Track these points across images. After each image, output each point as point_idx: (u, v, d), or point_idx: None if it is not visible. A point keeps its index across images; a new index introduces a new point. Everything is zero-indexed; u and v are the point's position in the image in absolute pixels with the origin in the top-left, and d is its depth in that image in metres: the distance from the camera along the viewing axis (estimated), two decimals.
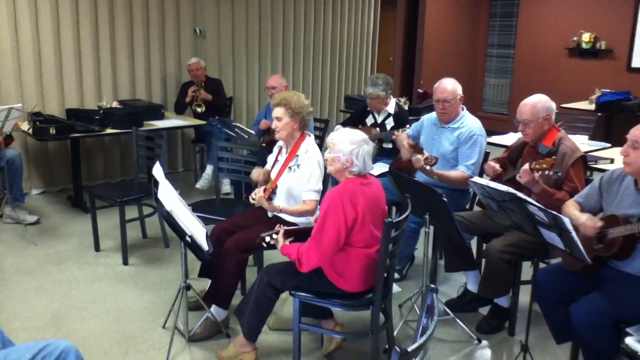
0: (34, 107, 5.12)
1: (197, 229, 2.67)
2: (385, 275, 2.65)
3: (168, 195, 2.84)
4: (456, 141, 3.68)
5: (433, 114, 3.88)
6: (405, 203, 2.80)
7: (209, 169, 5.67)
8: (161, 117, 5.47)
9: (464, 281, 3.64)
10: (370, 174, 2.75)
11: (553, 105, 3.18)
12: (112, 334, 3.20)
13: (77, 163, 5.19)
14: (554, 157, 2.97)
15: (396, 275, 3.83)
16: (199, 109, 5.80)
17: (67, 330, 3.22)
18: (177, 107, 6.05)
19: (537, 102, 3.15)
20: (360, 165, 2.63)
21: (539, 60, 8.62)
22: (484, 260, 3.28)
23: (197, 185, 5.69)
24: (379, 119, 4.60)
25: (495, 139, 4.72)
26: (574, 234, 2.25)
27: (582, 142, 4.56)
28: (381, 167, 4.29)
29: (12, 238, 4.51)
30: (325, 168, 3.26)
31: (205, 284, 3.45)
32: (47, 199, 5.53)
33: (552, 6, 8.41)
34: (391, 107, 4.57)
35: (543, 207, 2.36)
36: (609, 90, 7.03)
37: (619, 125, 6.98)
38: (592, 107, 6.84)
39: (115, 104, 5.50)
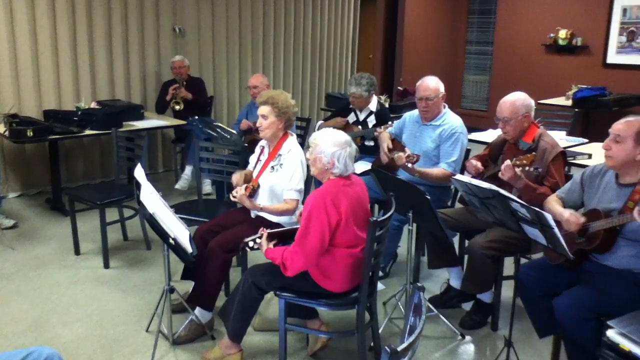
0: (10, 108, 5.03)
1: (180, 232, 2.65)
2: (370, 274, 2.65)
3: (150, 197, 2.81)
4: (438, 139, 3.71)
5: (415, 112, 3.90)
6: (390, 201, 2.80)
7: (188, 169, 5.63)
8: (141, 117, 5.41)
9: (447, 277, 3.67)
10: (354, 173, 2.75)
11: (532, 102, 3.22)
12: (95, 338, 3.16)
13: (55, 165, 5.11)
14: (534, 153, 3.01)
15: (379, 273, 3.85)
16: (177, 107, 5.76)
17: (49, 336, 3.17)
18: (158, 106, 6.00)
19: (517, 100, 3.18)
20: (342, 167, 2.63)
21: (517, 56, 8.71)
22: (466, 257, 3.31)
23: (177, 186, 5.65)
24: (361, 117, 4.61)
25: (475, 135, 4.76)
26: (556, 230, 2.28)
27: (560, 138, 4.62)
28: (363, 165, 4.30)
29: None
30: (308, 168, 3.26)
31: (189, 285, 3.43)
32: (24, 202, 5.43)
33: (530, 3, 8.50)
34: (373, 105, 4.58)
35: (526, 203, 2.39)
36: (585, 86, 7.14)
37: (596, 120, 7.10)
38: (569, 102, 6.94)
39: (93, 105, 5.42)
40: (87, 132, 4.87)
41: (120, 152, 4.36)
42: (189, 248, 2.62)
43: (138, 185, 2.95)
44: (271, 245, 2.70)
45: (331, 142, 2.62)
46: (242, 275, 3.06)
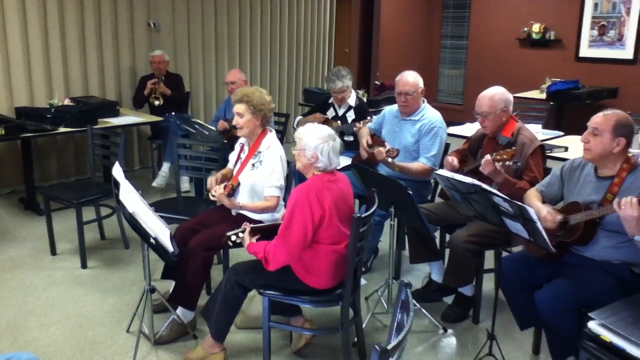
0: None
1: (161, 231, 2.61)
2: (354, 270, 2.65)
3: (130, 196, 2.76)
4: (417, 133, 3.72)
5: (394, 107, 3.91)
6: (372, 197, 2.80)
7: (166, 166, 5.56)
8: (116, 114, 5.31)
9: (428, 271, 3.70)
10: (337, 170, 2.74)
11: (510, 97, 3.25)
12: (74, 341, 3.10)
13: (28, 163, 4.99)
14: (514, 148, 3.04)
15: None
16: (156, 102, 5.69)
17: (26, 339, 3.10)
18: (136, 101, 5.92)
19: (495, 94, 3.21)
20: (325, 161, 2.62)
21: (491, 50, 8.79)
22: (447, 251, 3.33)
23: (154, 184, 5.57)
24: (340, 112, 4.60)
25: (453, 129, 4.79)
26: (538, 223, 2.31)
27: (536, 131, 4.67)
28: (343, 161, 4.29)
29: None
30: (289, 164, 3.24)
31: (169, 285, 3.38)
32: None
33: None
34: (352, 100, 4.59)
35: (507, 197, 2.41)
36: (559, 80, 7.24)
37: (570, 113, 7.21)
38: (544, 96, 7.03)
39: (67, 102, 5.31)
40: (61, 129, 4.76)
41: (96, 150, 4.28)
42: (170, 247, 2.58)
43: (117, 184, 2.90)
44: (254, 240, 2.68)
45: (315, 136, 2.62)
46: (224, 273, 3.03)
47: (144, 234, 2.71)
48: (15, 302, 3.50)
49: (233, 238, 2.72)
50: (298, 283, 2.65)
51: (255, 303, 3.23)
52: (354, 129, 4.29)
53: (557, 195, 2.80)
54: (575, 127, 5.35)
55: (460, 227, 3.24)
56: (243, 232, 2.72)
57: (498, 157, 2.95)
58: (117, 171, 2.94)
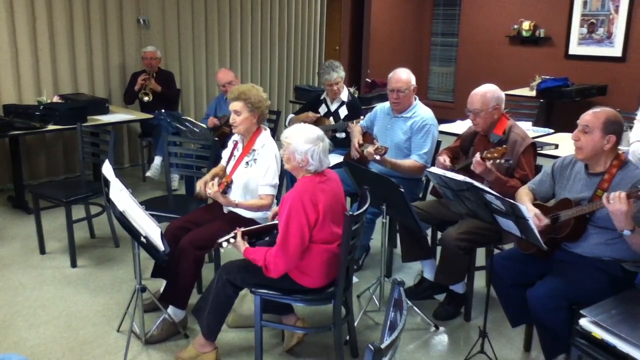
0: None
1: (151, 229, 2.59)
2: (346, 268, 2.64)
3: (120, 194, 2.73)
4: (409, 131, 3.72)
5: (386, 104, 3.91)
6: (364, 195, 2.80)
7: (158, 159, 5.53)
8: (106, 111, 5.27)
9: (420, 269, 3.70)
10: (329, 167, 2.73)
11: (502, 94, 3.25)
12: (64, 341, 3.07)
13: (17, 161, 4.94)
14: (505, 146, 3.04)
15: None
16: (145, 98, 5.67)
17: (15, 340, 3.07)
18: (127, 97, 5.89)
19: (487, 92, 3.21)
20: (316, 164, 2.59)
21: (481, 48, 8.82)
22: (439, 248, 3.34)
23: (148, 174, 5.54)
24: (333, 108, 4.60)
25: (444, 127, 4.80)
26: (530, 221, 2.31)
27: (526, 129, 4.68)
28: (335, 158, 4.29)
29: None
30: (282, 162, 3.23)
31: (159, 283, 3.36)
32: None
33: None
34: (344, 95, 4.59)
35: (499, 195, 2.41)
36: (548, 77, 7.28)
37: (559, 110, 7.25)
38: (533, 93, 7.06)
39: (56, 99, 5.26)
40: (50, 127, 4.72)
41: (86, 148, 4.24)
42: (161, 246, 2.56)
43: (107, 183, 2.87)
44: (246, 244, 2.66)
45: (303, 139, 2.58)
46: (216, 272, 3.01)
47: (134, 233, 2.69)
48: (3, 302, 3.46)
49: (224, 245, 2.70)
50: (290, 282, 2.64)
51: (246, 301, 3.22)
52: (347, 127, 4.28)
53: (549, 192, 2.81)
54: (565, 124, 5.38)
55: (452, 224, 3.25)
56: (234, 237, 2.69)
57: (489, 155, 2.95)
58: (107, 169, 2.92)
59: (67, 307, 3.42)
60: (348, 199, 4.18)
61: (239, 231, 2.70)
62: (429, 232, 3.66)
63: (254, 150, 3.15)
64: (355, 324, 3.12)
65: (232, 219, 3.12)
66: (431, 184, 3.52)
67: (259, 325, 2.73)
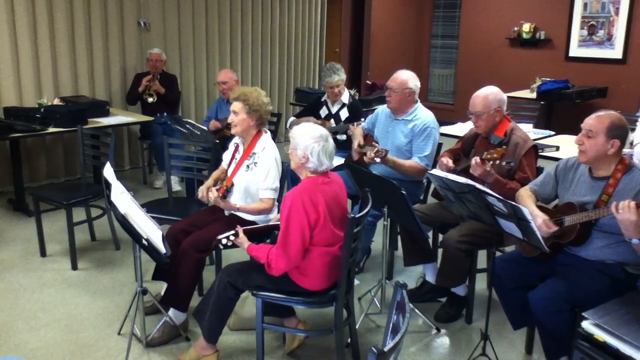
0: None
1: (153, 232, 2.58)
2: (347, 271, 2.64)
3: (121, 197, 2.73)
4: (410, 133, 3.71)
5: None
6: (366, 197, 2.79)
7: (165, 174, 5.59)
8: (106, 113, 5.26)
9: (421, 272, 3.69)
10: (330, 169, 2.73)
11: (504, 96, 3.25)
12: (65, 344, 3.06)
13: (17, 164, 4.93)
14: (504, 146, 3.04)
15: None
16: (150, 99, 5.68)
17: (15, 343, 3.06)
18: (130, 97, 5.89)
19: (489, 94, 3.21)
20: (315, 162, 2.59)
21: (481, 50, 8.82)
22: (440, 251, 3.33)
23: (156, 185, 5.69)
24: (334, 110, 4.60)
25: (445, 129, 4.80)
26: (532, 223, 2.31)
27: (527, 131, 4.69)
28: (336, 160, 4.27)
29: None
30: (284, 165, 3.23)
31: (160, 286, 3.36)
32: None
33: None
34: (345, 98, 4.60)
35: (500, 197, 2.41)
36: (549, 79, 7.28)
37: (560, 112, 7.25)
38: (534, 95, 7.06)
39: (56, 101, 5.26)
40: (51, 129, 4.71)
41: (86, 150, 4.23)
42: (162, 248, 2.55)
43: (108, 185, 2.87)
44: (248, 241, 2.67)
45: (307, 135, 2.59)
46: (217, 274, 3.01)
47: (136, 235, 2.69)
48: (4, 304, 3.45)
49: (224, 242, 2.70)
50: (292, 285, 2.63)
51: (248, 304, 3.22)
52: (347, 130, 4.29)
53: (551, 194, 2.80)
54: (565, 126, 5.38)
55: (453, 227, 3.24)
56: (235, 235, 2.69)
57: (488, 156, 2.95)
58: (109, 172, 2.91)
59: (68, 309, 3.41)
60: (349, 201, 4.19)
61: (239, 229, 2.70)
62: (430, 234, 3.66)
63: (254, 153, 3.15)
64: (357, 326, 3.11)
65: (233, 221, 3.11)
66: (432, 187, 3.52)
67: (261, 327, 2.72)
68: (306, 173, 2.63)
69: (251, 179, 3.12)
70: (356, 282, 3.75)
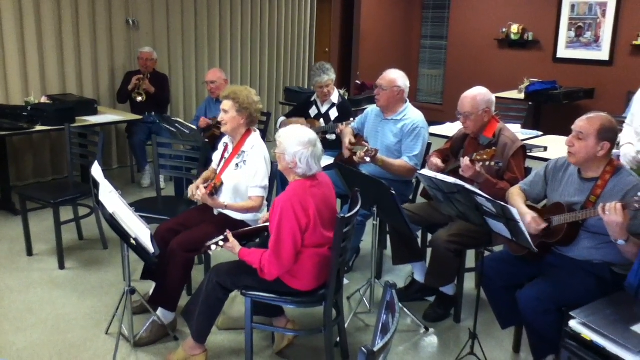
0: None
1: (141, 231, 2.57)
2: (337, 271, 2.64)
3: (109, 196, 2.71)
4: (400, 133, 3.72)
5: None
6: (355, 197, 2.80)
7: (148, 167, 5.54)
8: (94, 112, 5.23)
9: (410, 271, 3.70)
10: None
11: (493, 97, 3.26)
12: (52, 344, 3.04)
13: (3, 162, 4.89)
14: (494, 148, 3.06)
15: None
16: (138, 98, 5.64)
17: (1, 343, 3.03)
18: (120, 95, 5.86)
19: (478, 95, 3.22)
20: (304, 167, 2.58)
21: (470, 51, 8.86)
22: (429, 251, 3.34)
23: (144, 184, 5.64)
24: (323, 110, 4.60)
25: (433, 129, 4.80)
26: (521, 224, 2.32)
27: (515, 131, 4.70)
28: (326, 160, 4.27)
29: None
30: (272, 164, 3.22)
31: (148, 286, 3.34)
32: None
33: None
34: (335, 97, 4.60)
35: (490, 197, 2.42)
36: (537, 80, 7.33)
37: (548, 113, 7.31)
38: (522, 96, 7.10)
39: (44, 100, 5.20)
40: (38, 128, 4.67)
41: (74, 149, 4.20)
42: (150, 248, 2.54)
43: (96, 184, 2.85)
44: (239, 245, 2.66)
45: (295, 141, 2.58)
46: (206, 274, 3.00)
47: (124, 235, 2.67)
48: None
49: (213, 248, 2.69)
50: (281, 285, 2.63)
51: (236, 304, 3.21)
52: (337, 130, 4.29)
53: (541, 194, 2.82)
54: (553, 127, 5.42)
55: (442, 227, 3.25)
56: (224, 240, 2.68)
57: (478, 157, 2.96)
58: (97, 171, 2.89)
59: (55, 310, 3.38)
60: (338, 201, 4.19)
61: (229, 233, 2.69)
62: (419, 234, 3.67)
63: (243, 151, 3.14)
64: (346, 325, 3.11)
65: (222, 221, 3.10)
66: (421, 186, 3.53)
67: (250, 327, 2.72)
68: (294, 177, 2.63)
69: (240, 178, 3.11)
70: (345, 281, 3.76)
